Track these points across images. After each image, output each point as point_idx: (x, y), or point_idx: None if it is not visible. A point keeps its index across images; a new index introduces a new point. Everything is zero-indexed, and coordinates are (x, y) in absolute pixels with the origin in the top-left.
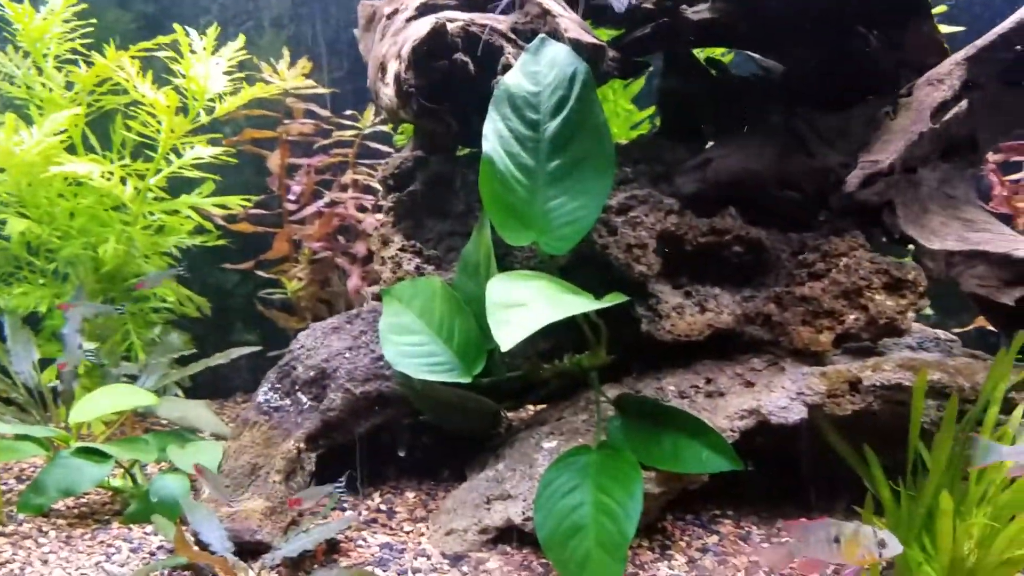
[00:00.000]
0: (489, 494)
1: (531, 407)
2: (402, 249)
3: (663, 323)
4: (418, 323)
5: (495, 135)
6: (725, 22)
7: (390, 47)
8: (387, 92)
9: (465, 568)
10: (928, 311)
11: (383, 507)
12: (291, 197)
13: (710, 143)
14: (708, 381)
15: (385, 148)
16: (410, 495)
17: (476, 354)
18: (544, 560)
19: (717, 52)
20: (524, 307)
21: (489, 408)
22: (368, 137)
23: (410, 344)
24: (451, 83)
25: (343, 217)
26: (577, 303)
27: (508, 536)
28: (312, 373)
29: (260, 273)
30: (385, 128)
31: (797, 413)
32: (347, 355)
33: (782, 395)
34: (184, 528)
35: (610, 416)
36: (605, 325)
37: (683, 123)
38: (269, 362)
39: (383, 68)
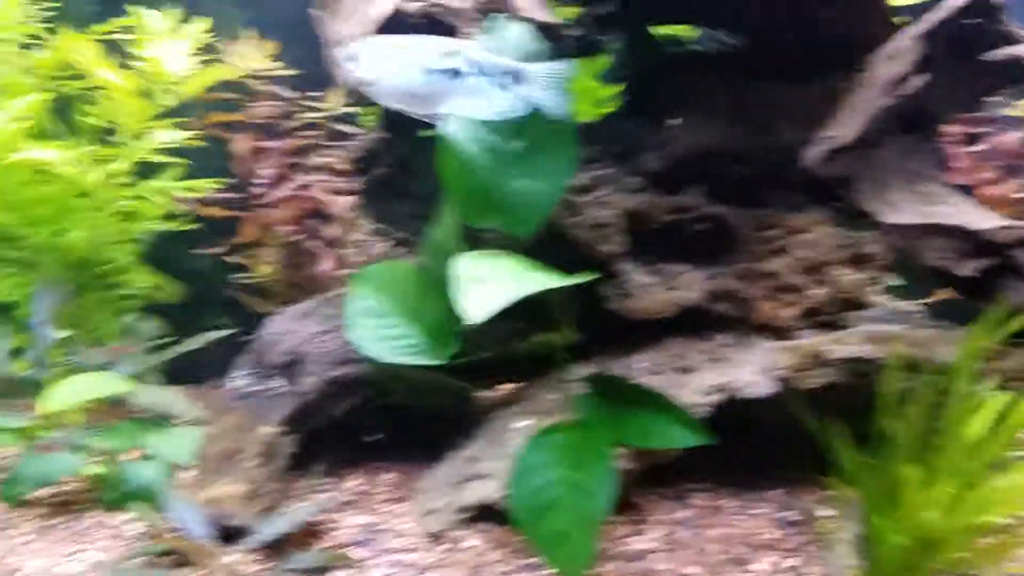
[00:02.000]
0: (464, 473)
1: (505, 386)
2: (370, 232)
3: (630, 302)
4: (387, 306)
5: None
6: None
7: (353, 27)
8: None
9: (446, 545)
10: (897, 281)
11: (361, 488)
12: (260, 181)
13: (677, 120)
14: (678, 358)
15: (351, 130)
16: (388, 476)
17: (446, 336)
18: (521, 537)
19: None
20: (492, 283)
21: (459, 389)
22: (334, 118)
23: (379, 327)
24: None
25: (312, 200)
26: (545, 279)
27: (486, 514)
28: (285, 358)
29: (226, 259)
30: (350, 109)
31: (765, 387)
32: (319, 339)
33: (750, 370)
34: (163, 514)
35: (581, 394)
36: (575, 304)
37: (646, 101)
38: (244, 347)
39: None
